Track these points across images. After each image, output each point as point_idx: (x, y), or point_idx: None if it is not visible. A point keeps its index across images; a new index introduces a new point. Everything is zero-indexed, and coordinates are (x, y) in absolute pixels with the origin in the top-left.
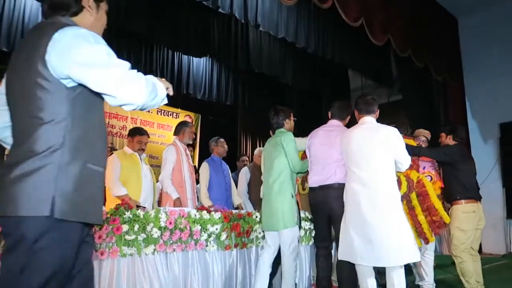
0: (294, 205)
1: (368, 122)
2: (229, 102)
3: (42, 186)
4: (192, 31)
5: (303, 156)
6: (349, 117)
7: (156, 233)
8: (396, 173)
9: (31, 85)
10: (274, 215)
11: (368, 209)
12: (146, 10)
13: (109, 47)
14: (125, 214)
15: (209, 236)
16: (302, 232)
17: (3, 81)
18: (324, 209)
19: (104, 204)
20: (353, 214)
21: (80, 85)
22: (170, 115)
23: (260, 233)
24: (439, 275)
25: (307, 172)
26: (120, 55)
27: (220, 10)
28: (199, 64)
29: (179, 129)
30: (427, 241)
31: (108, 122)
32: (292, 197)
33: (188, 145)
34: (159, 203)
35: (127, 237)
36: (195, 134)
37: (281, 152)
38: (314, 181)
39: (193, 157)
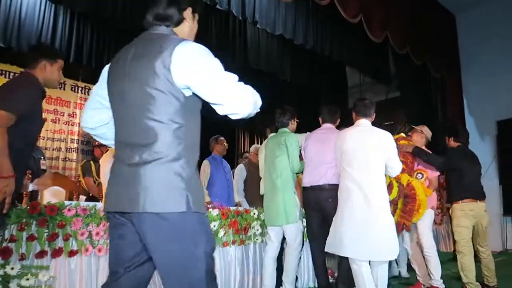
0: (296, 201)
1: (364, 124)
2: None
3: (176, 186)
4: None
5: (300, 157)
6: (339, 119)
7: None
8: (387, 177)
9: (153, 93)
10: (277, 211)
11: (360, 207)
12: (144, 5)
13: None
14: None
15: None
16: (259, 231)
17: (101, 84)
18: (316, 209)
19: (102, 200)
20: (346, 210)
21: (193, 94)
22: None
23: (258, 230)
24: None
25: None
26: (117, 50)
27: (217, 6)
28: None
29: None
30: (407, 228)
31: None
32: (294, 193)
33: None
34: None
35: None
36: None
37: (284, 152)
38: (306, 181)
39: None
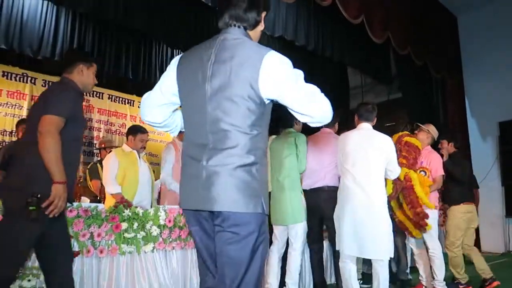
0: (303, 201)
1: (366, 128)
2: None
3: (256, 188)
4: (192, 28)
5: None
6: (337, 124)
7: (155, 231)
8: None
9: (237, 100)
10: (284, 210)
11: (361, 205)
12: (145, 7)
13: None
14: (124, 212)
15: None
16: None
17: (169, 81)
18: (316, 211)
19: (104, 202)
20: (347, 208)
21: (270, 102)
22: None
23: None
24: None
25: None
26: (119, 52)
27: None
28: None
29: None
30: (410, 234)
31: (108, 120)
32: (301, 193)
33: None
34: (158, 202)
35: (126, 235)
36: None
37: (293, 152)
38: (305, 184)
39: None
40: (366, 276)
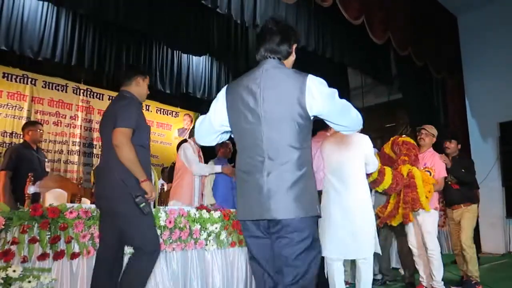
0: None
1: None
2: None
3: (313, 195)
4: (192, 29)
5: None
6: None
7: None
8: (380, 165)
9: (289, 120)
10: None
11: (338, 209)
12: (146, 8)
13: None
14: None
15: (209, 235)
16: None
17: (220, 112)
18: None
19: None
20: (325, 214)
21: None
22: (170, 114)
23: None
24: None
25: None
26: (119, 53)
27: (217, 10)
28: (199, 63)
29: (193, 131)
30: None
31: None
32: None
33: None
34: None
35: None
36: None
37: None
38: None
39: None
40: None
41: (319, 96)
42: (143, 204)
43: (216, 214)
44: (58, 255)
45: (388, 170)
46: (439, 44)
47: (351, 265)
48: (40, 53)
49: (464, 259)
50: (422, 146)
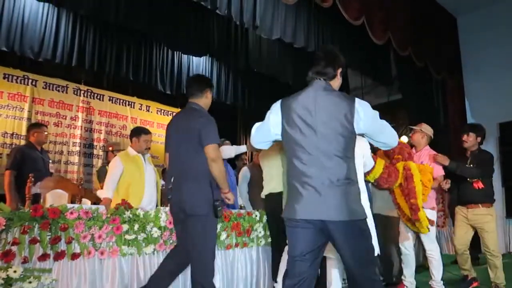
0: None
1: None
2: (229, 102)
3: (361, 200)
4: (192, 30)
5: None
6: None
7: (156, 232)
8: (382, 163)
9: (340, 136)
10: None
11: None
12: (146, 8)
13: None
14: (125, 214)
15: None
16: (261, 233)
17: (276, 123)
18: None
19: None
20: None
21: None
22: (170, 114)
23: (260, 232)
24: None
25: None
26: (119, 54)
27: (217, 11)
28: (199, 64)
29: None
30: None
31: (108, 121)
32: None
33: None
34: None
35: (127, 236)
36: None
37: None
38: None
39: None
40: None
41: (365, 117)
42: (220, 208)
43: None
44: (58, 256)
45: (379, 160)
46: (439, 45)
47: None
48: (41, 54)
49: (491, 266)
50: (416, 145)
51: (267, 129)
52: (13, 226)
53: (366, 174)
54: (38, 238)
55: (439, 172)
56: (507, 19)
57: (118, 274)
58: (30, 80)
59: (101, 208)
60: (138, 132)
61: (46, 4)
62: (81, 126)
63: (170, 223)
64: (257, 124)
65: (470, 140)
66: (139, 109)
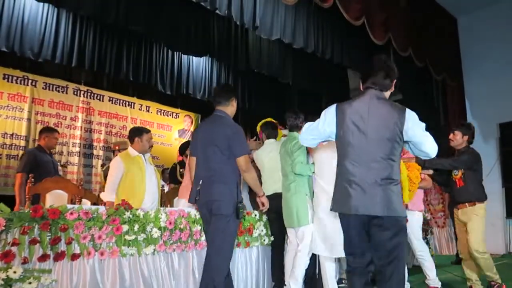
0: (308, 204)
1: None
2: None
3: (402, 199)
4: (192, 30)
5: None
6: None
7: (156, 233)
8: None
9: (389, 141)
10: (291, 214)
11: (325, 211)
12: (146, 9)
13: None
14: (125, 214)
15: None
16: (263, 231)
17: (330, 125)
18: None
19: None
20: (315, 215)
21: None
22: (170, 115)
23: (262, 230)
24: (439, 275)
25: None
26: (119, 54)
27: (217, 11)
28: (199, 64)
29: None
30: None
31: (108, 122)
32: (307, 196)
33: None
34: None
35: (127, 237)
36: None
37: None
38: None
39: None
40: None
41: (413, 126)
42: (242, 210)
43: None
44: (58, 256)
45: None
46: (439, 45)
47: (343, 263)
48: (41, 55)
49: (478, 267)
50: None
51: (322, 130)
52: (13, 226)
53: None
54: (38, 239)
55: (429, 171)
56: (507, 19)
57: (118, 274)
58: (30, 81)
59: (101, 208)
60: (140, 131)
61: (46, 5)
62: (81, 127)
63: (170, 223)
64: (308, 123)
65: (456, 139)
66: (139, 109)
